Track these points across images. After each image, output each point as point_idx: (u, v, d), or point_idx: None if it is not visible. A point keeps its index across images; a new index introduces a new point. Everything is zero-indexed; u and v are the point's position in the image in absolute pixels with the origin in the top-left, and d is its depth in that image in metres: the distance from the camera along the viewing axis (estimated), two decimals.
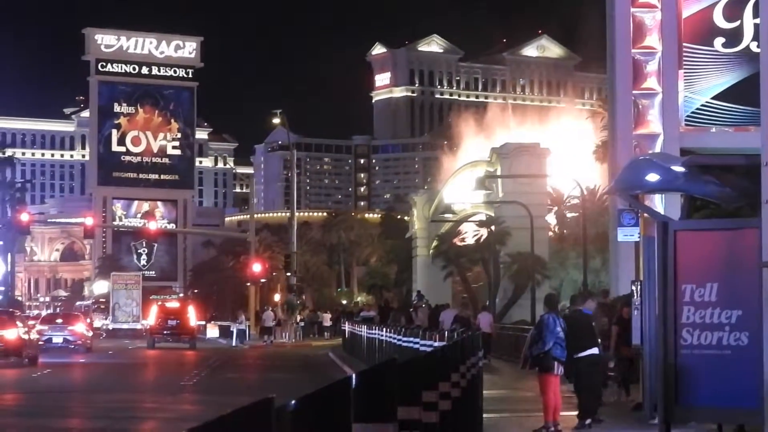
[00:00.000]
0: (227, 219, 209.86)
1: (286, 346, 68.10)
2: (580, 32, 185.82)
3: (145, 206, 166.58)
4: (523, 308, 59.59)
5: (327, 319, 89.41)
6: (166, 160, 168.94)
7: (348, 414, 6.03)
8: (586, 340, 19.90)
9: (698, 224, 18.21)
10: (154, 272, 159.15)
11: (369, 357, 39.91)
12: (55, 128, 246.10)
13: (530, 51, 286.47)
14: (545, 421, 19.09)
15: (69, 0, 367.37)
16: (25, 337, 42.14)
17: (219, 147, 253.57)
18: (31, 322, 49.96)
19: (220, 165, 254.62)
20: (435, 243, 73.30)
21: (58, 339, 55.49)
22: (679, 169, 17.67)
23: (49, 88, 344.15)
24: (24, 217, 75.86)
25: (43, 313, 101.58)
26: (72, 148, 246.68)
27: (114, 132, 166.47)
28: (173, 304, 78.92)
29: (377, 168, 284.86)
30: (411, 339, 28.43)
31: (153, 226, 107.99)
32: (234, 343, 67.17)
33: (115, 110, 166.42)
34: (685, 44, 34.85)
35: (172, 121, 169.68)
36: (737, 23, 34.54)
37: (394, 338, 32.37)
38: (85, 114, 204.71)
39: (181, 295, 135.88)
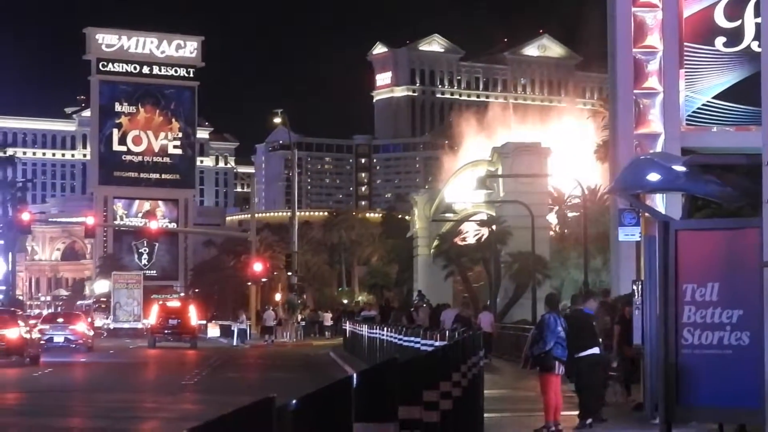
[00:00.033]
0: (228, 218, 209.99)
1: (287, 345, 68.09)
2: (581, 32, 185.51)
3: (146, 206, 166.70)
4: (524, 308, 59.56)
5: (328, 318, 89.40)
6: (167, 160, 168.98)
7: (349, 413, 6.03)
8: (587, 339, 19.90)
9: (699, 224, 18.20)
10: (155, 272, 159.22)
11: (370, 356, 39.92)
12: (56, 128, 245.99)
13: (531, 50, 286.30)
14: (546, 421, 19.09)
15: (69, 0, 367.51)
16: (27, 336, 42.19)
17: (220, 146, 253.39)
18: (32, 322, 50.04)
19: (221, 164, 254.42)
20: (436, 242, 73.35)
21: (59, 338, 55.53)
22: (680, 168, 17.66)
23: (50, 87, 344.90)
24: (25, 216, 75.93)
25: (45, 312, 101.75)
26: (73, 147, 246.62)
27: (115, 131, 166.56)
28: (174, 303, 78.98)
29: (378, 167, 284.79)
30: (412, 338, 28.42)
31: (154, 225, 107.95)
32: (235, 343, 67.15)
33: (116, 110, 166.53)
34: (686, 44, 34.83)
35: (173, 120, 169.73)
36: (738, 23, 34.51)
37: (395, 338, 32.34)
38: (86, 113, 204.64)
39: (182, 294, 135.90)
